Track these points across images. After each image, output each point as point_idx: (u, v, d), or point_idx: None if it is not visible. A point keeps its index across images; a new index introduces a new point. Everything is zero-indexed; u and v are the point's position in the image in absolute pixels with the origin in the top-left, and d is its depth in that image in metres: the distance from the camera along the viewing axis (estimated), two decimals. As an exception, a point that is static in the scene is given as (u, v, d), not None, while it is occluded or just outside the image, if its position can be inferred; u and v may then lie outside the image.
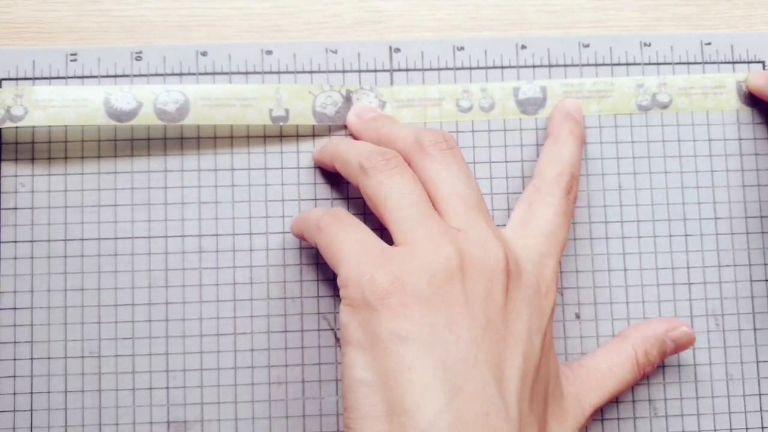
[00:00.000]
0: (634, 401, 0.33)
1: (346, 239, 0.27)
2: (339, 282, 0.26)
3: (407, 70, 0.35)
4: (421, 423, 0.21)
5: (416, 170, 0.29)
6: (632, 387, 0.33)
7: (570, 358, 0.33)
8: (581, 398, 0.29)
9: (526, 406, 0.24)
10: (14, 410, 0.32)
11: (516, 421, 0.23)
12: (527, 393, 0.25)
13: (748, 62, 0.35)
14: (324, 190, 0.34)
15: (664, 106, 0.35)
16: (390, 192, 0.28)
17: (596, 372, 0.30)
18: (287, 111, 0.34)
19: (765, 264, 0.34)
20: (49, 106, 0.33)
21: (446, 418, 0.22)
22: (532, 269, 0.28)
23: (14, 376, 0.33)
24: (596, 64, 0.35)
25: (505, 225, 0.34)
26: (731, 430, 0.33)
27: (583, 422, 0.29)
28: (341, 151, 0.31)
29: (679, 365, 0.33)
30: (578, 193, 0.34)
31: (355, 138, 0.34)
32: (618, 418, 0.33)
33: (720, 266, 0.34)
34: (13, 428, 0.32)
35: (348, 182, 0.34)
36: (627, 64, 0.35)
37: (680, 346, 0.32)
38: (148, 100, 0.33)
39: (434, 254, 0.26)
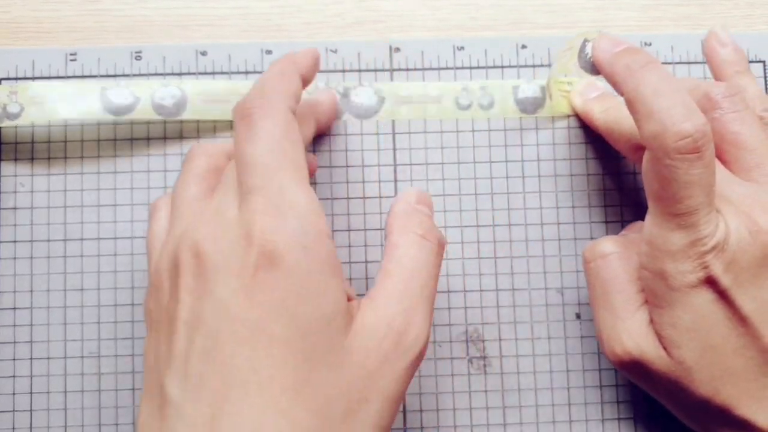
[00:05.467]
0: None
1: None
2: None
3: (407, 69, 0.35)
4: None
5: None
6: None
7: (570, 358, 0.33)
8: (385, 321, 0.25)
9: (201, 395, 0.23)
10: (14, 410, 0.32)
11: (180, 412, 0.23)
12: (203, 381, 0.23)
13: (748, 62, 0.35)
14: (324, 189, 0.34)
15: None
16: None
17: (388, 283, 0.26)
18: None
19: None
20: (45, 102, 0.33)
21: (142, 408, 0.25)
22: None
23: (14, 376, 0.32)
24: (596, 64, 0.35)
25: (518, 225, 0.34)
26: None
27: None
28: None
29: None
30: (578, 193, 0.34)
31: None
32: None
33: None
34: (13, 428, 0.32)
35: (348, 181, 0.34)
36: (627, 64, 0.35)
37: (429, 203, 0.29)
38: (145, 95, 0.33)
39: None
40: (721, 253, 0.26)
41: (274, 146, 0.25)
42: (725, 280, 0.26)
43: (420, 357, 0.26)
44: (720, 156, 0.29)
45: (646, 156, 0.27)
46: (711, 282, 0.27)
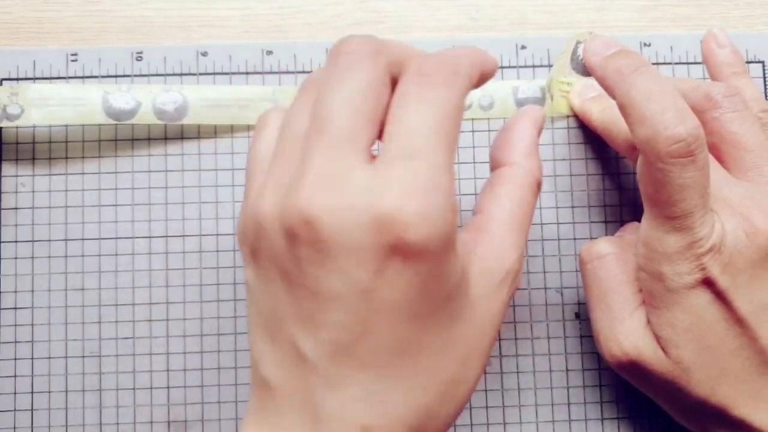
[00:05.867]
0: None
1: None
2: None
3: (407, 70, 0.35)
4: (254, 359, 0.25)
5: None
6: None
7: (569, 357, 0.33)
8: (506, 268, 0.25)
9: (345, 362, 0.23)
10: (15, 410, 0.32)
11: (324, 373, 0.23)
12: (344, 348, 0.23)
13: (748, 62, 0.35)
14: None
15: None
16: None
17: (505, 227, 0.26)
18: None
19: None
20: (46, 105, 0.33)
21: (267, 358, 0.24)
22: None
23: (15, 376, 0.33)
24: (596, 64, 0.35)
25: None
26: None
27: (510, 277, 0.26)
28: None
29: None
30: (577, 193, 0.34)
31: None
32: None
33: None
34: (14, 428, 0.32)
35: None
36: (627, 64, 0.35)
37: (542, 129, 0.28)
38: (146, 100, 0.33)
39: None
40: (718, 255, 0.27)
41: (447, 120, 0.23)
42: (722, 282, 0.27)
43: None
44: (718, 156, 0.29)
45: (639, 160, 0.27)
46: (708, 283, 0.27)
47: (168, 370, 0.33)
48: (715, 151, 0.29)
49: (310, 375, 0.23)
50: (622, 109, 0.27)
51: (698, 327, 0.27)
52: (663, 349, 0.28)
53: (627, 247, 0.30)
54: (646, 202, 0.27)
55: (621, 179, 0.34)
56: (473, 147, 0.34)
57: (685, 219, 0.26)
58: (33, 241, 0.33)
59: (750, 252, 0.27)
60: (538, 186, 0.27)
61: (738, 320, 0.27)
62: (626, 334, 0.28)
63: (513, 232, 0.25)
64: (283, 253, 0.23)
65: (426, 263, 0.22)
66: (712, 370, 0.27)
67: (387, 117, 0.23)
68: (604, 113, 0.33)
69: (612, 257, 0.29)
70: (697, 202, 0.26)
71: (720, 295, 0.27)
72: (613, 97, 0.27)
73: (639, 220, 0.32)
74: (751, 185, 0.28)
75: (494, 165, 0.27)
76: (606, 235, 0.34)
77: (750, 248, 0.27)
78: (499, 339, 0.33)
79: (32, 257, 0.33)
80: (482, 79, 0.26)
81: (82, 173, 0.34)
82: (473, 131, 0.35)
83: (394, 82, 0.24)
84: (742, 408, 0.27)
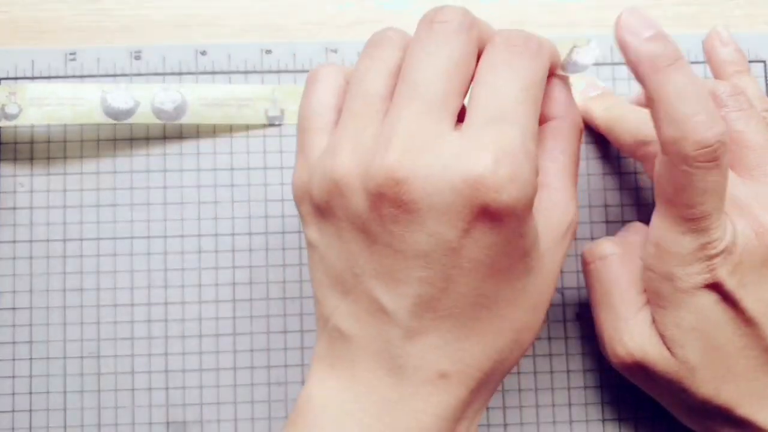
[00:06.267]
0: None
1: None
2: None
3: (407, 69, 0.35)
4: (324, 313, 0.26)
5: None
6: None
7: (571, 358, 0.33)
8: (568, 219, 0.27)
9: (425, 314, 0.24)
10: (13, 411, 0.32)
11: (404, 324, 0.24)
12: (426, 302, 0.24)
13: (749, 62, 0.35)
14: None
15: None
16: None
17: (564, 179, 0.27)
18: (282, 111, 0.34)
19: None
20: (44, 104, 0.33)
21: (342, 310, 0.25)
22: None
23: (13, 377, 0.32)
24: (597, 64, 0.35)
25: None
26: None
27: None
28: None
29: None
30: (578, 193, 0.34)
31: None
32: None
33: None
34: (12, 428, 0.32)
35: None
36: (627, 64, 0.35)
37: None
38: (145, 99, 0.33)
39: None
40: (728, 256, 0.27)
41: (533, 89, 0.24)
42: (731, 283, 0.27)
43: None
44: None
45: (660, 159, 0.26)
46: (717, 284, 0.27)
47: (167, 371, 0.33)
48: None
49: (390, 326, 0.24)
50: (651, 103, 0.25)
51: (704, 326, 0.27)
52: (668, 348, 0.28)
53: (630, 248, 0.30)
54: (662, 203, 0.27)
55: (622, 179, 0.34)
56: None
57: (702, 221, 0.26)
58: (31, 241, 0.33)
59: (759, 251, 0.27)
60: (581, 134, 0.28)
61: (746, 320, 0.27)
62: (631, 334, 0.28)
63: (570, 184, 0.27)
64: (363, 212, 0.24)
65: (511, 224, 0.23)
66: (717, 369, 0.27)
67: (473, 83, 0.24)
68: (608, 111, 0.33)
69: (615, 258, 0.29)
70: (716, 205, 0.26)
71: (728, 296, 0.27)
72: (643, 86, 0.26)
73: (640, 220, 0.32)
74: (756, 184, 0.28)
75: (540, 120, 0.26)
76: (607, 234, 0.34)
77: (759, 247, 0.27)
78: (500, 339, 0.33)
79: (30, 257, 0.33)
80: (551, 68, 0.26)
81: (81, 173, 0.34)
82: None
83: (478, 54, 0.25)
84: (747, 407, 0.27)
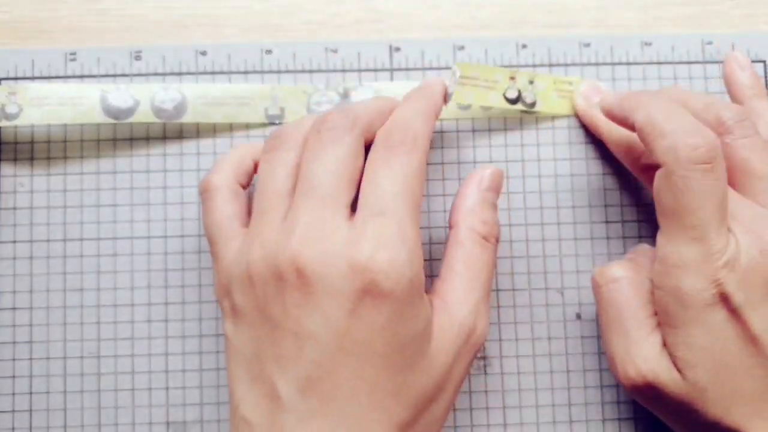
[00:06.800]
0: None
1: None
2: None
3: (407, 69, 0.35)
4: (234, 403, 0.27)
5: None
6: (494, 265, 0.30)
7: (570, 358, 0.33)
8: (458, 321, 0.28)
9: (312, 396, 0.26)
10: (13, 411, 0.32)
11: (294, 408, 0.26)
12: (313, 383, 0.26)
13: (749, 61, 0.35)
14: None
15: None
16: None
17: (457, 284, 0.29)
18: (282, 110, 0.34)
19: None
20: (44, 104, 0.33)
21: (247, 399, 0.27)
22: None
23: (13, 377, 0.32)
24: (597, 64, 0.35)
25: (519, 225, 0.34)
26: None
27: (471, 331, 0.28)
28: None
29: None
30: (578, 193, 0.34)
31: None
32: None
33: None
34: (12, 428, 0.32)
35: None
36: (628, 64, 0.35)
37: (497, 186, 0.30)
38: (145, 98, 0.33)
39: None
40: (732, 271, 0.27)
41: (409, 181, 0.27)
42: (737, 298, 0.27)
43: (481, 347, 0.30)
44: (729, 181, 0.29)
45: (660, 173, 0.27)
46: (724, 299, 0.27)
47: (167, 371, 0.33)
48: (727, 175, 0.29)
49: (283, 411, 0.26)
50: (642, 129, 0.28)
51: (714, 346, 0.27)
52: (679, 370, 0.28)
53: (641, 271, 0.30)
54: (663, 216, 0.28)
55: (622, 179, 0.34)
56: (473, 147, 0.34)
57: (701, 228, 0.27)
58: (31, 241, 0.33)
59: (763, 270, 0.27)
60: (487, 239, 0.29)
61: (752, 338, 0.27)
62: (644, 357, 0.28)
63: (463, 290, 0.28)
64: (270, 299, 0.26)
65: (393, 304, 0.26)
66: (726, 390, 0.27)
67: (363, 179, 0.28)
68: (610, 125, 0.33)
69: (626, 281, 0.30)
70: (715, 213, 0.27)
71: (735, 313, 0.27)
72: (632, 123, 0.29)
73: (640, 220, 0.32)
74: (762, 209, 0.29)
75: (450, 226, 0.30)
76: (607, 234, 0.34)
77: (763, 266, 0.27)
78: (500, 339, 0.33)
79: (30, 257, 0.33)
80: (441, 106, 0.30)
81: (81, 173, 0.34)
82: (473, 131, 0.34)
83: (368, 144, 0.29)
84: (756, 428, 0.27)
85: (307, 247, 0.26)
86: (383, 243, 0.26)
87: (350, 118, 0.28)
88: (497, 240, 0.30)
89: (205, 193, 0.30)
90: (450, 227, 0.30)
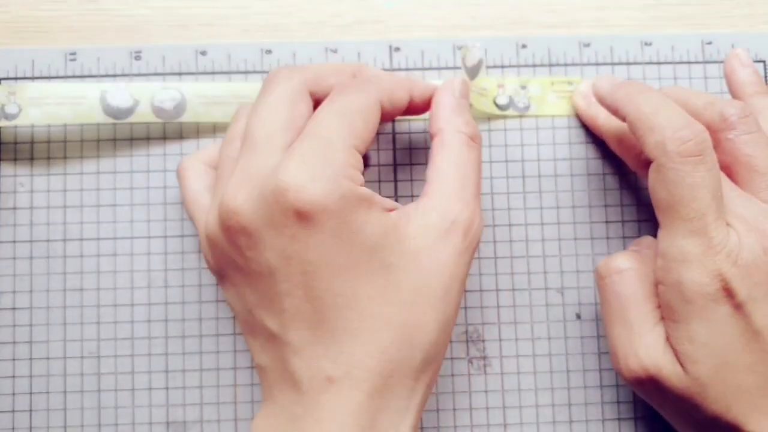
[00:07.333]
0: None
1: None
2: None
3: (407, 69, 0.35)
4: (252, 356, 0.28)
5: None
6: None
7: (570, 358, 0.33)
8: (450, 218, 0.28)
9: (300, 325, 0.26)
10: (13, 411, 0.32)
11: (288, 340, 0.26)
12: (295, 313, 0.26)
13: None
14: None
15: None
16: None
17: (448, 183, 0.28)
18: None
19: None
20: (44, 104, 0.33)
21: (255, 348, 0.28)
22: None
23: (13, 377, 0.32)
24: (597, 64, 0.35)
25: (518, 225, 0.34)
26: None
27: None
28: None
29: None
30: (578, 192, 0.34)
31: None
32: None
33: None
34: (12, 428, 0.32)
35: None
36: (628, 64, 0.35)
37: (467, 94, 0.31)
38: (144, 98, 0.33)
39: None
40: (735, 266, 0.27)
41: (349, 115, 0.27)
42: (742, 293, 0.27)
43: (478, 245, 0.29)
44: (731, 176, 0.29)
45: (652, 168, 0.28)
46: (728, 293, 0.27)
47: (167, 371, 0.33)
48: (729, 171, 0.29)
49: (281, 346, 0.26)
50: (633, 124, 0.28)
51: (716, 341, 0.27)
52: (681, 364, 0.28)
53: (646, 262, 0.30)
54: (661, 211, 0.28)
55: (622, 179, 0.34)
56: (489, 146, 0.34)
57: (698, 220, 0.27)
58: (31, 241, 0.33)
59: (767, 266, 0.27)
60: (473, 140, 0.29)
61: (754, 334, 0.27)
62: (647, 349, 0.28)
63: (454, 187, 0.28)
64: (229, 252, 0.27)
65: (327, 222, 0.25)
66: (728, 385, 0.27)
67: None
68: (610, 120, 0.33)
69: (631, 272, 0.29)
70: (710, 204, 0.27)
71: (738, 308, 0.27)
72: (623, 116, 0.29)
73: (640, 220, 0.32)
74: (765, 205, 0.28)
75: (432, 137, 0.30)
76: (607, 234, 0.34)
77: (767, 262, 0.27)
78: (500, 339, 0.33)
79: (30, 257, 0.33)
80: (414, 105, 0.30)
81: (81, 173, 0.34)
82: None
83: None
84: (756, 425, 0.27)
85: (240, 192, 0.26)
86: (305, 161, 0.26)
87: (292, 70, 0.29)
88: (481, 142, 0.30)
89: (178, 178, 0.31)
90: (433, 136, 0.29)
